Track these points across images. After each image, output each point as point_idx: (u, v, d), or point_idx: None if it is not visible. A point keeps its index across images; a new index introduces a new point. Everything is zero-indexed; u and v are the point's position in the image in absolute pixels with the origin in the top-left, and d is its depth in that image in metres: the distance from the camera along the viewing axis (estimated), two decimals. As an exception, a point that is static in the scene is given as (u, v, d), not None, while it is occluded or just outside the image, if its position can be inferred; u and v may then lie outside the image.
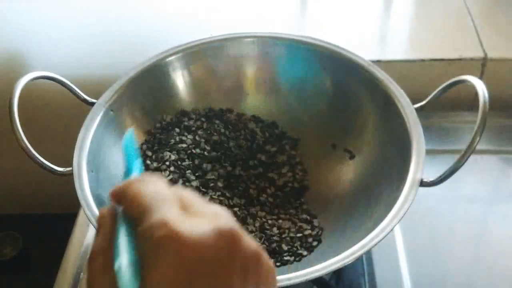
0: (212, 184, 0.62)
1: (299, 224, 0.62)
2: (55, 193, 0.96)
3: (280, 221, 0.62)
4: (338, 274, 0.66)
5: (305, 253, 0.59)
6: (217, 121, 0.68)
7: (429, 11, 0.93)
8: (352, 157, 0.65)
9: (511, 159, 0.79)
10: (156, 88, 0.68)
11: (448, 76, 0.58)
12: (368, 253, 0.65)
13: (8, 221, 1.10)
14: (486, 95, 0.52)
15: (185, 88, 0.70)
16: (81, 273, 0.68)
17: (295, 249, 0.59)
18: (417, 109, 0.59)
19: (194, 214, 0.30)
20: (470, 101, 0.85)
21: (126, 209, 0.31)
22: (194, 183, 0.62)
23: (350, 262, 0.48)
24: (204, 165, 0.64)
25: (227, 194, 0.63)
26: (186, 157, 0.64)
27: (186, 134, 0.66)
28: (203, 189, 0.62)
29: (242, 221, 0.61)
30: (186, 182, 0.62)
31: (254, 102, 0.72)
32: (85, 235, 0.72)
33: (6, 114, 0.55)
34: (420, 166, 0.54)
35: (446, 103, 0.76)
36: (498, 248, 0.69)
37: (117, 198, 0.32)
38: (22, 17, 0.98)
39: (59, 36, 0.94)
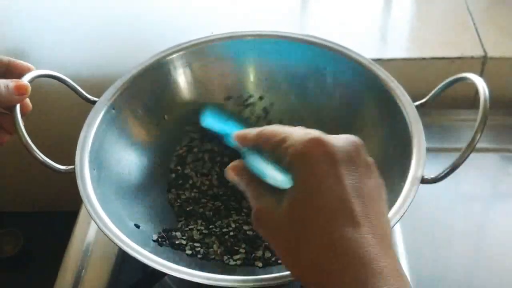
0: None
1: None
2: (56, 190, 0.96)
3: None
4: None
5: None
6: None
7: (429, 10, 0.94)
8: None
9: (511, 157, 0.79)
10: (158, 86, 0.68)
11: (448, 75, 0.58)
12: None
13: (9, 218, 1.10)
14: (487, 92, 0.52)
15: (186, 86, 0.70)
16: (83, 270, 0.68)
17: None
18: (417, 107, 0.59)
19: (321, 133, 0.41)
20: (469, 99, 0.85)
21: (268, 143, 0.43)
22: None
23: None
24: None
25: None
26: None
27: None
28: None
29: None
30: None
31: (254, 101, 0.72)
32: (86, 232, 0.72)
33: (8, 112, 0.55)
34: (421, 163, 0.54)
35: (445, 101, 0.76)
36: (498, 246, 0.69)
37: (248, 139, 0.46)
38: (25, 16, 0.98)
39: (61, 34, 0.94)
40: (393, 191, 0.54)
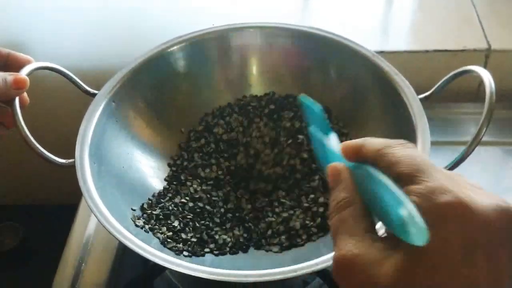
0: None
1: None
2: (56, 184, 0.96)
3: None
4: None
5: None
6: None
7: (432, 2, 0.93)
8: None
9: (514, 151, 0.79)
10: (159, 79, 0.67)
11: (451, 68, 0.58)
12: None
13: (8, 212, 1.09)
14: (493, 85, 0.52)
15: (187, 79, 0.69)
16: (83, 264, 0.68)
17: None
18: (421, 100, 0.58)
19: (464, 186, 0.30)
20: (473, 92, 0.84)
21: (383, 165, 0.31)
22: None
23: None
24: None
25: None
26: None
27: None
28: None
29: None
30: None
31: (257, 93, 0.71)
32: (86, 226, 0.72)
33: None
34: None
35: (448, 94, 0.75)
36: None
37: (360, 154, 0.33)
38: (24, 8, 0.97)
39: (61, 27, 0.94)
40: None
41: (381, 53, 0.72)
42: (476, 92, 0.84)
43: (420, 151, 0.33)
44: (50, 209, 1.04)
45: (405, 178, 0.30)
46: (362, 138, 0.34)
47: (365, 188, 0.32)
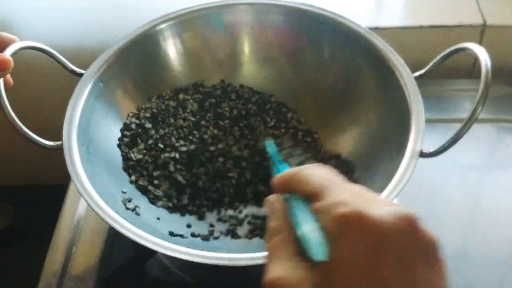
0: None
1: None
2: (46, 164, 0.95)
3: None
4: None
5: None
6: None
7: (427, -23, 0.91)
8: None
9: (509, 128, 0.78)
10: (147, 58, 0.66)
11: (446, 44, 0.57)
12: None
13: (-1, 192, 1.09)
14: (489, 63, 0.51)
15: (177, 58, 0.68)
16: (73, 247, 0.67)
17: None
18: (416, 78, 0.57)
19: (365, 198, 0.31)
20: (468, 69, 0.84)
21: (299, 190, 0.34)
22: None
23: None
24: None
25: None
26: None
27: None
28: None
29: None
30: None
31: (248, 73, 0.70)
32: (76, 207, 0.71)
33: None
34: (420, 137, 0.53)
35: (443, 71, 0.75)
36: (495, 216, 0.69)
37: (283, 184, 0.35)
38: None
39: (46, 4, 0.92)
40: (391, 165, 0.53)
41: (375, 29, 0.71)
42: (471, 69, 0.84)
43: (333, 171, 0.34)
44: (40, 189, 1.03)
45: (314, 196, 0.32)
46: (292, 169, 0.36)
47: (288, 215, 0.34)
